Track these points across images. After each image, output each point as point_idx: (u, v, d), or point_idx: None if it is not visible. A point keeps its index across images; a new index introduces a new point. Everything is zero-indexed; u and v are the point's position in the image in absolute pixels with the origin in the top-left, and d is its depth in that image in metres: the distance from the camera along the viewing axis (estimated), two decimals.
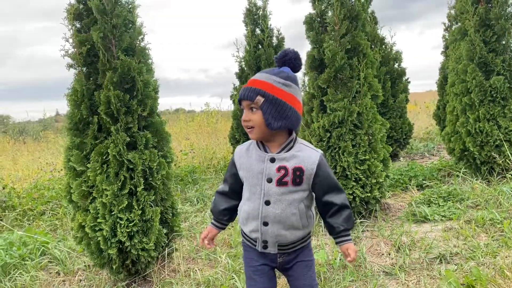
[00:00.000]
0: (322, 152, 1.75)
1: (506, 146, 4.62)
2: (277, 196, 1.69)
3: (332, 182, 1.73)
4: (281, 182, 1.68)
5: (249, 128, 1.70)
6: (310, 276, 1.85)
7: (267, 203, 1.70)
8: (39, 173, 6.63)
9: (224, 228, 1.92)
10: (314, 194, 1.77)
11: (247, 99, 1.65)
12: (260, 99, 1.63)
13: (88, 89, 2.80)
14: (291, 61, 1.69)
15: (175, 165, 7.21)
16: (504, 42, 4.79)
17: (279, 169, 1.68)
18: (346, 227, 1.74)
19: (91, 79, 2.86)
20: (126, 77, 2.81)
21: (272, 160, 1.69)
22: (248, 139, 6.86)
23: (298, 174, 1.68)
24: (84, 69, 2.85)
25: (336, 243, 1.79)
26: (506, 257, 2.82)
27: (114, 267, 2.81)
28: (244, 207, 1.78)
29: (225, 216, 1.88)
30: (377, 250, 3.31)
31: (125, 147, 2.76)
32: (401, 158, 7.58)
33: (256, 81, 1.67)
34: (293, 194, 1.70)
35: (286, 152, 1.69)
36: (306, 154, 1.70)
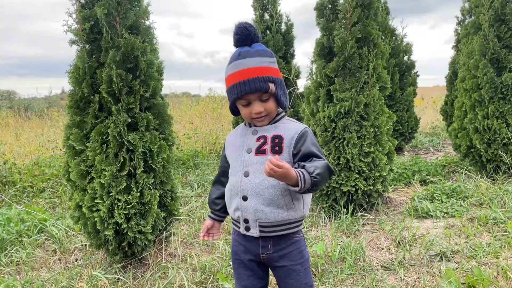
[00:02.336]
0: (308, 127, 1.64)
1: None
2: (255, 165, 1.60)
3: (313, 152, 1.57)
4: (259, 151, 1.61)
5: (261, 117, 1.61)
6: (299, 283, 1.67)
7: (246, 174, 1.61)
8: (40, 150, 6.61)
9: (220, 220, 1.85)
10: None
11: (260, 91, 1.55)
12: (273, 86, 1.57)
13: (90, 67, 2.74)
14: (256, 36, 1.62)
15: (177, 148, 7.17)
16: None
17: (258, 138, 1.63)
18: (304, 164, 1.51)
19: (93, 56, 2.79)
20: (129, 56, 2.75)
21: (255, 132, 1.65)
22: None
23: (276, 142, 1.59)
24: (87, 46, 2.79)
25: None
26: (509, 258, 2.77)
27: (110, 248, 2.78)
28: (227, 186, 1.71)
29: (217, 205, 1.82)
30: (377, 244, 3.27)
31: (125, 127, 2.71)
32: (406, 152, 7.50)
33: (254, 68, 1.57)
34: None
35: (270, 124, 1.64)
36: (289, 125, 1.63)
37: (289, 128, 1.61)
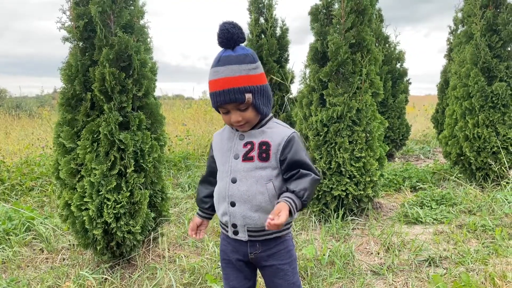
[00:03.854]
0: (297, 132, 1.62)
1: (503, 154, 4.59)
2: (243, 172, 1.59)
3: (300, 160, 1.56)
4: (246, 157, 1.59)
5: (240, 125, 1.59)
6: (288, 283, 1.67)
7: (234, 180, 1.60)
8: (30, 148, 6.54)
9: (209, 218, 1.84)
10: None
11: (234, 101, 1.51)
12: (250, 96, 1.52)
13: (83, 65, 2.72)
14: (239, 38, 1.54)
15: (169, 150, 7.14)
16: (509, 49, 4.74)
17: (245, 144, 1.61)
18: (293, 189, 1.51)
19: (86, 54, 2.78)
20: (122, 55, 2.74)
21: (241, 137, 1.63)
22: None
23: (264, 149, 1.58)
24: (80, 43, 2.77)
25: (277, 203, 1.54)
26: (496, 264, 2.79)
27: (98, 248, 2.76)
28: (215, 189, 1.70)
29: (205, 204, 1.81)
30: (366, 248, 3.27)
31: (117, 126, 2.69)
32: (396, 158, 7.55)
33: (231, 78, 1.51)
34: (259, 171, 1.58)
35: (256, 129, 1.62)
36: (276, 130, 1.61)
37: (276, 134, 1.59)
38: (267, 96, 1.60)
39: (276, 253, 1.66)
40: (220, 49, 1.58)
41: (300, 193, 1.51)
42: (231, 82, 1.51)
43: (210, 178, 1.79)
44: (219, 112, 1.63)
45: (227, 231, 1.69)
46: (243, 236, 1.64)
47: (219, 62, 1.53)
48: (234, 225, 1.64)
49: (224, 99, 1.51)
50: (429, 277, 2.66)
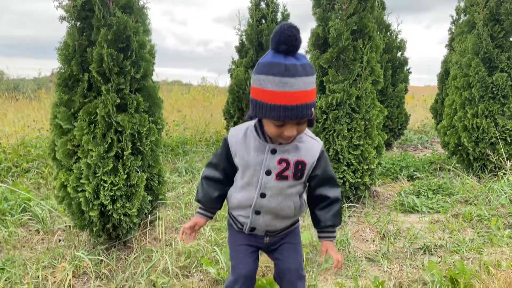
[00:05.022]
0: (322, 142, 1.64)
1: (501, 144, 4.59)
2: (275, 190, 1.59)
3: (329, 176, 1.65)
4: (281, 176, 1.57)
5: (289, 139, 1.51)
6: (298, 261, 1.78)
7: (263, 195, 1.60)
8: (26, 130, 6.51)
9: (212, 218, 1.81)
10: (307, 184, 1.69)
11: (305, 117, 1.41)
12: (313, 111, 1.44)
13: (80, 45, 2.69)
14: (300, 44, 1.37)
15: (166, 134, 7.12)
16: (511, 39, 4.70)
17: (280, 161, 1.55)
18: (333, 223, 1.67)
19: (84, 34, 2.74)
20: (121, 36, 2.70)
21: (274, 151, 1.54)
22: (242, 115, 6.64)
23: (300, 168, 1.57)
24: (78, 23, 2.72)
25: (320, 237, 1.71)
26: (491, 253, 2.81)
27: (94, 229, 2.75)
28: (235, 195, 1.66)
29: (218, 203, 1.75)
30: (362, 236, 3.28)
31: (114, 108, 2.67)
32: (394, 148, 7.55)
33: (304, 92, 1.38)
34: (291, 189, 1.61)
35: (290, 143, 1.55)
36: (309, 146, 1.58)
37: (309, 150, 1.58)
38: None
39: (287, 236, 1.78)
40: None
41: (337, 223, 1.69)
42: (303, 97, 1.37)
43: (223, 179, 1.70)
44: (252, 116, 1.48)
45: (241, 228, 1.74)
46: (260, 233, 1.74)
47: (287, 71, 1.35)
48: (253, 228, 1.70)
49: (296, 114, 1.38)
50: (424, 265, 2.67)
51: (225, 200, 1.77)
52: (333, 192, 1.65)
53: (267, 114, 1.39)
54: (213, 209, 1.77)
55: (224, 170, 1.69)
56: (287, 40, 1.33)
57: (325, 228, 1.67)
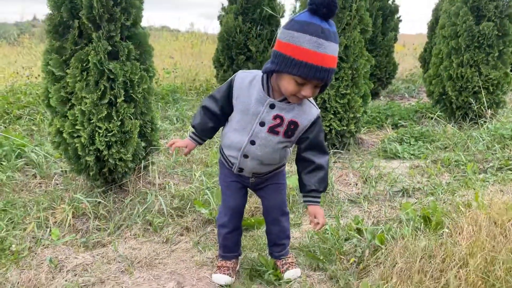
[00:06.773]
0: (319, 111, 1.73)
1: (483, 93, 4.73)
2: (264, 140, 1.71)
3: (319, 142, 1.73)
4: (272, 130, 1.68)
5: (300, 99, 1.61)
6: (281, 200, 1.97)
7: (252, 143, 1.72)
8: (15, 77, 6.45)
9: (202, 144, 1.95)
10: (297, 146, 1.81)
11: (328, 80, 1.50)
12: (332, 77, 1.54)
13: None
14: (336, 9, 1.43)
15: (156, 83, 7.11)
16: None
17: (275, 117, 1.65)
18: (317, 188, 1.75)
19: None
20: None
21: (272, 106, 1.64)
22: (232, 63, 6.58)
23: (292, 128, 1.68)
24: None
25: (304, 201, 1.81)
26: (464, 195, 3.02)
27: (91, 173, 2.88)
28: (229, 135, 1.78)
29: (211, 133, 1.89)
30: (345, 180, 3.47)
31: (106, 56, 2.70)
32: (382, 97, 7.67)
33: (334, 58, 1.47)
34: (280, 144, 1.74)
35: (288, 102, 1.64)
36: (306, 109, 1.67)
37: (305, 114, 1.67)
38: None
39: (273, 177, 1.92)
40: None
41: (321, 189, 1.76)
42: (332, 62, 1.47)
43: (219, 114, 1.78)
44: (271, 70, 1.55)
45: (231, 168, 1.86)
46: (247, 174, 1.87)
47: (323, 34, 1.43)
48: (241, 169, 1.83)
49: (322, 76, 1.46)
50: (401, 205, 2.88)
51: (219, 137, 1.93)
52: (319, 159, 1.73)
53: (294, 70, 1.46)
54: (205, 137, 1.90)
55: (222, 108, 1.77)
56: (328, 4, 1.40)
57: (309, 193, 1.77)
